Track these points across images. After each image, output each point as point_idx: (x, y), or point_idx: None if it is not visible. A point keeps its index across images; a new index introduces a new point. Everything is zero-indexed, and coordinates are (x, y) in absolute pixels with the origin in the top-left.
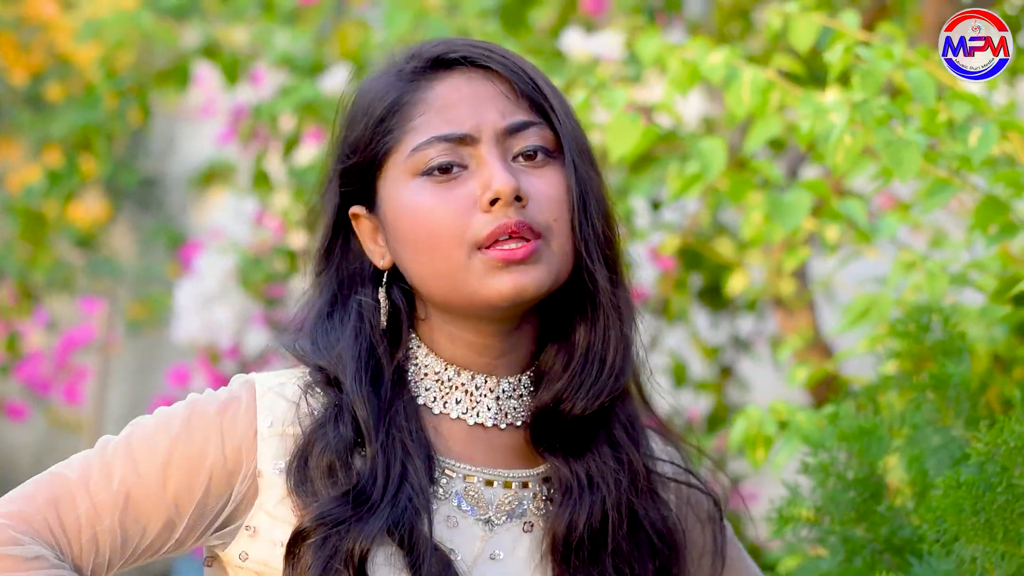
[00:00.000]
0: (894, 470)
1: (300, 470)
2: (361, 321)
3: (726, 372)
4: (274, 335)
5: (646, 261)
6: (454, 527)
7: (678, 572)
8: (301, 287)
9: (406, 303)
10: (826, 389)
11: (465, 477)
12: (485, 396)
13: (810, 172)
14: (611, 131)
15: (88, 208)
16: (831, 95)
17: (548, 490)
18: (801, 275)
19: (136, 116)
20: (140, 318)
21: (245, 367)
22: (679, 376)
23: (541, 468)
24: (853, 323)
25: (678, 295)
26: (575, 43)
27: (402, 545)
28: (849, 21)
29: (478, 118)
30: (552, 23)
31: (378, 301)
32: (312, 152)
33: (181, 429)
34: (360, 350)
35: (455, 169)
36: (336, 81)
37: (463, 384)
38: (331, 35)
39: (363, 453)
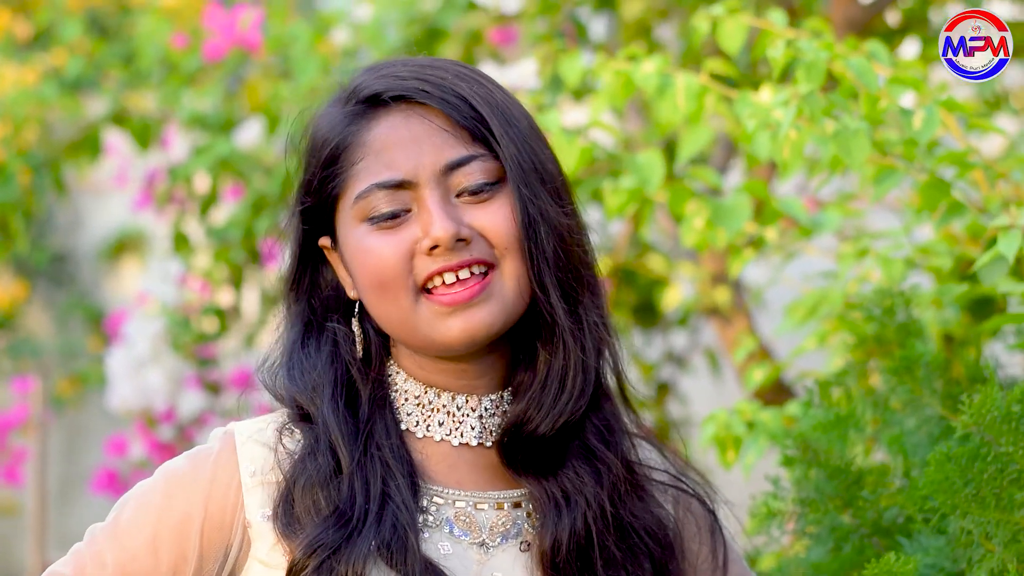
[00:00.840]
0: (871, 456)
1: (287, 512)
2: (336, 347)
3: (664, 388)
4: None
5: None
6: (448, 554)
7: (675, 567)
8: (233, 345)
9: (380, 331)
10: (774, 393)
11: (455, 503)
12: (468, 416)
13: (732, 179)
14: None
15: (2, 290)
16: (767, 94)
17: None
18: (735, 283)
19: (51, 191)
20: (67, 395)
21: (182, 430)
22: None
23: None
24: (802, 321)
25: (616, 314)
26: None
27: (393, 564)
28: (777, 19)
29: (415, 160)
30: (459, 58)
31: (352, 330)
32: (230, 209)
33: (161, 500)
34: (336, 375)
35: (401, 214)
36: (250, 135)
37: (444, 406)
38: (239, 90)
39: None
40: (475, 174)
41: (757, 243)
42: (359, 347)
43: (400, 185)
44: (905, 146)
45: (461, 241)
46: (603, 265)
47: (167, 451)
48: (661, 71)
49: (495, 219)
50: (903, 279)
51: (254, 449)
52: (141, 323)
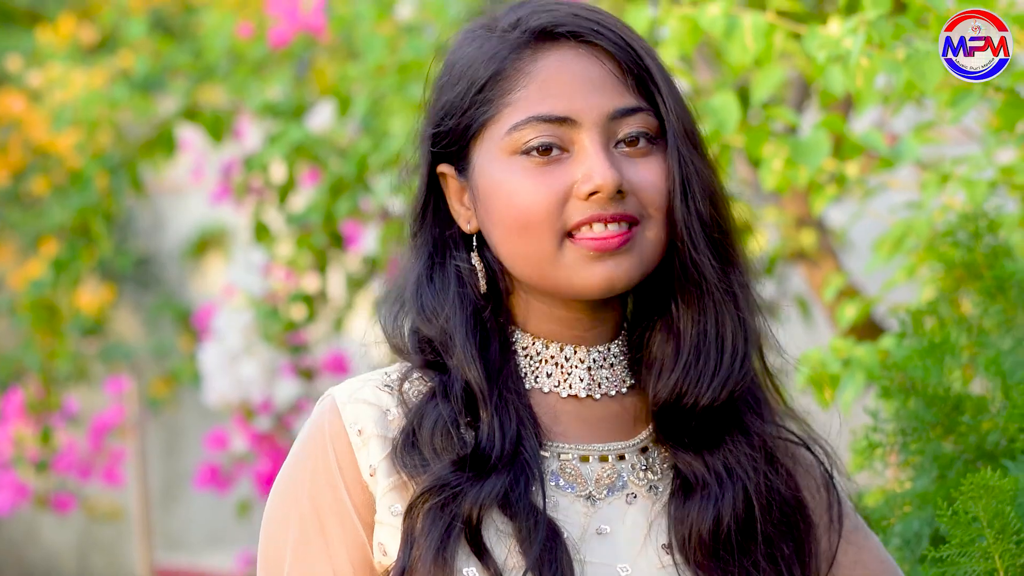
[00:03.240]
0: (971, 382)
1: (408, 450)
2: (462, 286)
3: None
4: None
5: None
6: (555, 507)
7: (812, 547)
8: (323, 330)
9: (501, 267)
10: (867, 330)
11: (560, 455)
12: (576, 367)
13: (808, 120)
14: None
15: (91, 295)
16: (835, 26)
17: (647, 460)
18: (819, 225)
19: (129, 192)
20: (162, 395)
21: (280, 419)
22: None
23: (637, 439)
24: (889, 255)
25: None
26: None
27: (512, 514)
28: None
29: (583, 100)
30: None
31: (473, 265)
32: (308, 194)
33: (309, 506)
34: (467, 316)
35: (555, 151)
36: (322, 119)
37: (552, 357)
38: (308, 75)
39: (474, 425)
40: (638, 125)
41: (839, 180)
42: (482, 283)
43: (563, 121)
44: None
45: (619, 194)
46: None
47: (267, 441)
48: (727, 12)
49: (652, 176)
50: (986, 201)
51: (357, 408)
52: (230, 316)
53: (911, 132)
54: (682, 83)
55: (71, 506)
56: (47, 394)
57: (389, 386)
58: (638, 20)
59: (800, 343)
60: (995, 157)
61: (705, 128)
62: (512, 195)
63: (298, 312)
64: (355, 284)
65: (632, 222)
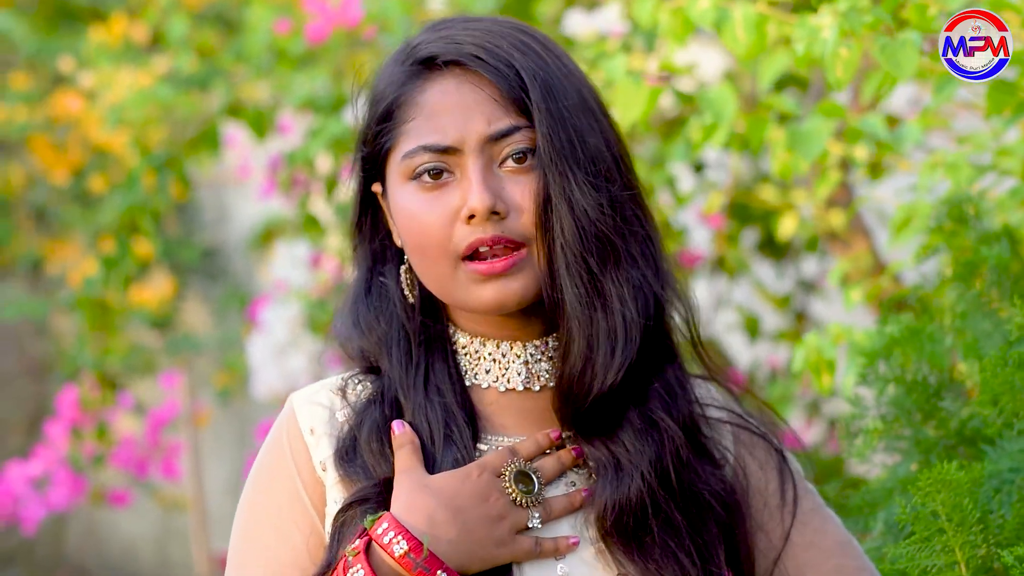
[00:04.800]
0: (955, 367)
1: (349, 456)
2: (393, 298)
3: (800, 317)
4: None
5: (697, 224)
6: None
7: (743, 527)
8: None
9: None
10: (897, 310)
11: (496, 447)
12: (513, 362)
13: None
14: (617, 99)
15: (156, 289)
16: (826, 16)
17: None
18: (846, 203)
19: (178, 189)
20: (229, 387)
21: None
22: (752, 329)
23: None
24: (899, 236)
25: (731, 249)
26: (579, 24)
27: None
28: None
29: (463, 127)
30: (559, 13)
31: (405, 276)
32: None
33: (266, 498)
34: (397, 326)
35: (444, 175)
36: (362, 111)
37: (490, 354)
38: (347, 68)
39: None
40: (520, 142)
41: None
42: (411, 295)
43: (446, 150)
44: None
45: (496, 215)
46: (714, 202)
47: None
48: (717, 5)
49: (524, 195)
50: (970, 184)
51: (310, 409)
52: (277, 309)
53: (915, 116)
54: (688, 79)
55: (127, 501)
56: (102, 390)
57: (342, 389)
58: (642, 11)
59: (845, 318)
60: (1003, 138)
61: (706, 118)
62: (411, 218)
63: None
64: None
65: (517, 245)
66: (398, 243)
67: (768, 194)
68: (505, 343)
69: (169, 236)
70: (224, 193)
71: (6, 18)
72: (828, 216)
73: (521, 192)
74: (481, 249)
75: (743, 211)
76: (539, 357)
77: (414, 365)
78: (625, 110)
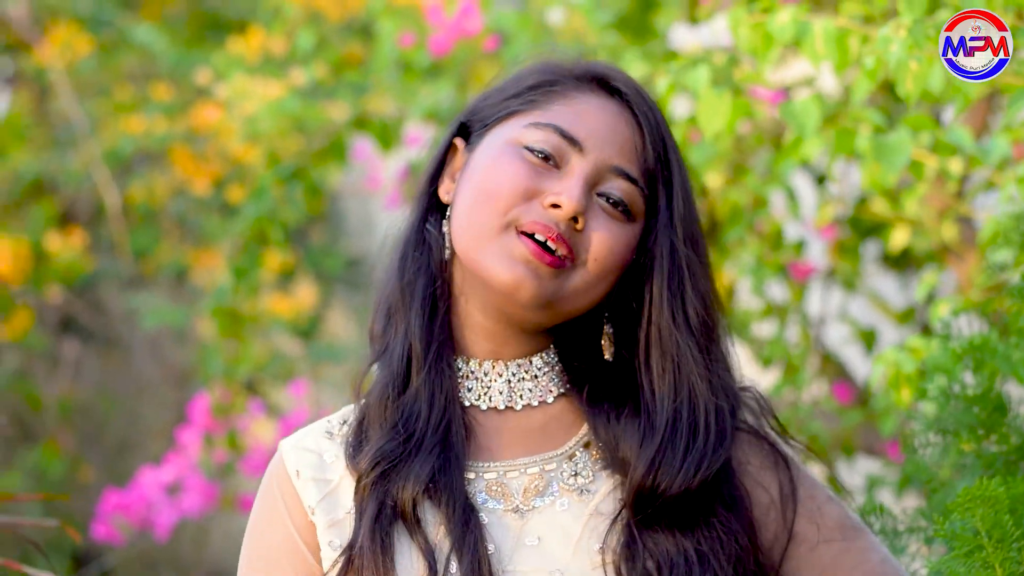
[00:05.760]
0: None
1: (358, 441)
2: (430, 251)
3: (927, 330)
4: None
5: (814, 236)
6: (485, 524)
7: (758, 536)
8: None
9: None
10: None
11: (484, 474)
12: (494, 381)
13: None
14: (700, 110)
15: (299, 297)
16: (889, 27)
17: (575, 466)
18: (959, 218)
19: (307, 200)
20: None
21: None
22: (868, 342)
23: (566, 447)
24: (986, 249)
25: (844, 261)
26: (684, 38)
27: (438, 500)
28: None
29: (599, 142)
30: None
31: (443, 232)
32: None
33: (261, 547)
34: (427, 280)
35: (550, 161)
36: None
37: (472, 372)
38: (469, 79)
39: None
40: (624, 193)
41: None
42: (447, 250)
43: (573, 142)
44: None
45: (575, 221)
46: (825, 214)
47: None
48: (796, 19)
49: (615, 239)
50: None
51: (298, 455)
52: None
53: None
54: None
55: None
56: (234, 397)
57: (329, 432)
58: (739, 25)
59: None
60: None
61: (789, 134)
62: (495, 169)
63: None
64: None
65: (569, 259)
66: (443, 196)
67: (879, 206)
68: (487, 362)
69: (313, 245)
70: (369, 202)
71: (148, 31)
72: (939, 228)
73: (612, 234)
74: (538, 237)
75: (861, 223)
76: (522, 376)
77: (434, 329)
78: (706, 120)
